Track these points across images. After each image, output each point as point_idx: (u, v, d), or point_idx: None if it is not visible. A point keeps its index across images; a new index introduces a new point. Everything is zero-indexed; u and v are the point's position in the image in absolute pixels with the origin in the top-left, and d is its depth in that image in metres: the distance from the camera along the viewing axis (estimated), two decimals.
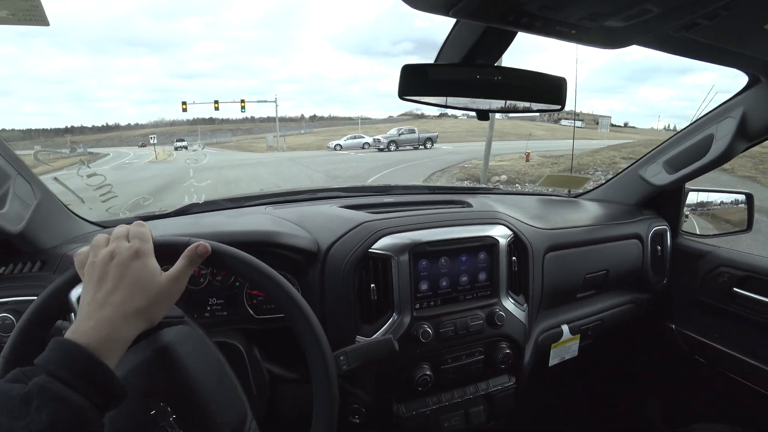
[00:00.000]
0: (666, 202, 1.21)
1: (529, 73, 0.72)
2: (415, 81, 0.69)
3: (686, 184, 1.19)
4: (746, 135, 0.97)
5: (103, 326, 0.40)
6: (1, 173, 0.71)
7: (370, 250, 0.75)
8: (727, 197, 1.31)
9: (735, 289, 1.05)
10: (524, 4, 0.50)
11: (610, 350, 1.33)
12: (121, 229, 0.47)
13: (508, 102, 0.73)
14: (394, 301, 0.76)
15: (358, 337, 0.75)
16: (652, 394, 1.31)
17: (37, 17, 0.62)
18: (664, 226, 1.18)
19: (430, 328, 0.77)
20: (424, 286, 0.79)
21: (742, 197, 1.27)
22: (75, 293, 0.50)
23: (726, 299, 1.07)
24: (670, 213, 1.21)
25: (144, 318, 0.43)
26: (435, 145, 18.88)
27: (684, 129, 1.13)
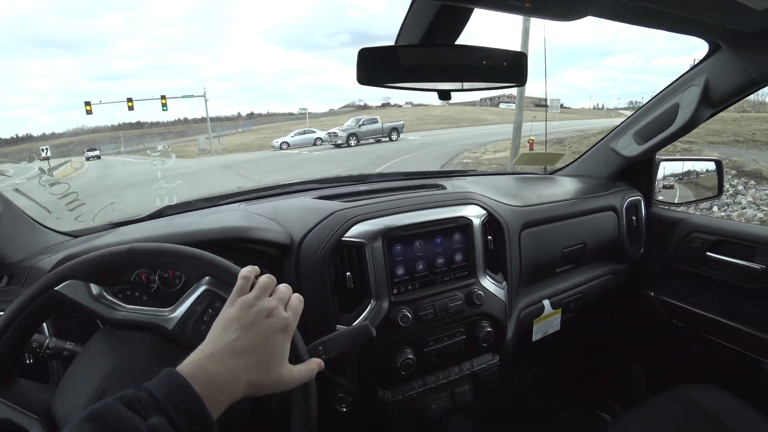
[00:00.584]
0: (638, 172, 1.23)
1: (488, 51, 0.72)
2: (373, 65, 0.68)
3: (656, 154, 1.21)
4: (710, 102, 0.99)
5: (228, 377, 0.39)
6: None
7: (343, 239, 0.75)
8: (697, 165, 1.34)
9: (708, 253, 1.08)
10: None
11: (592, 322, 1.36)
12: (285, 290, 0.48)
13: (470, 81, 0.73)
14: (371, 288, 0.76)
15: (338, 326, 0.75)
16: (635, 361, 1.35)
17: None
18: (637, 197, 1.20)
19: (409, 312, 0.77)
20: (400, 271, 0.79)
21: (711, 165, 1.30)
22: (95, 289, 0.51)
23: (700, 264, 1.10)
24: (643, 183, 1.23)
25: (254, 391, 0.42)
26: (401, 136, 16.74)
27: (651, 99, 1.15)
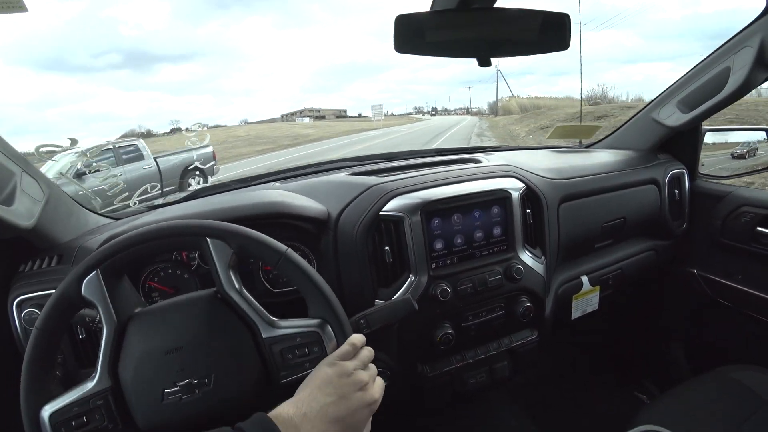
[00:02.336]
0: (682, 144, 1.17)
1: (530, 12, 0.68)
2: (410, 32, 0.66)
3: (702, 123, 1.14)
4: (766, 63, 0.92)
5: None
6: (5, 171, 0.70)
7: (381, 213, 0.74)
8: (746, 135, 1.26)
9: (759, 228, 1.02)
10: None
11: (632, 299, 1.32)
12: (374, 369, 0.50)
13: (510, 45, 0.70)
14: (409, 262, 0.75)
15: (377, 301, 0.75)
16: (675, 340, 1.30)
17: (15, 4, 0.60)
18: (681, 170, 1.14)
19: (449, 287, 0.76)
20: (438, 245, 0.78)
21: (761, 134, 1.22)
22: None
23: (749, 240, 1.04)
24: (687, 155, 1.17)
25: None
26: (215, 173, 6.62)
27: (696, 66, 1.07)
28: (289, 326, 0.51)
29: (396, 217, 0.74)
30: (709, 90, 1.03)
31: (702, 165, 1.19)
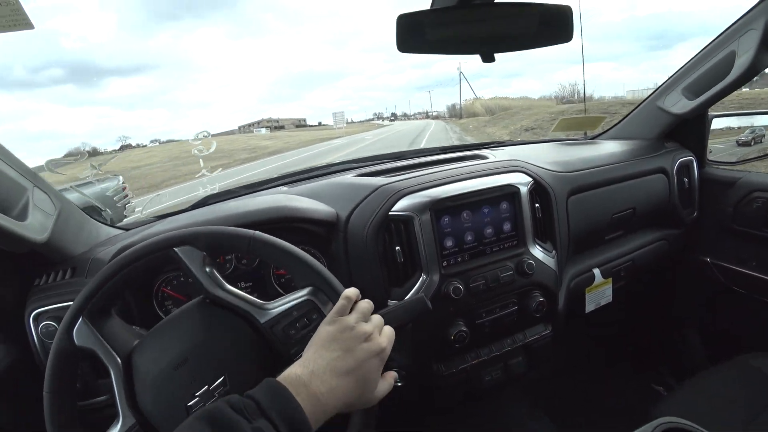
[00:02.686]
0: (689, 131, 1.15)
1: (531, 6, 0.68)
2: (411, 31, 0.66)
3: (709, 110, 1.13)
4: None
5: (330, 398, 0.40)
6: (18, 187, 0.71)
7: (390, 213, 0.74)
8: (755, 119, 1.25)
9: None
10: None
11: (645, 290, 1.30)
12: (379, 319, 0.49)
13: (513, 40, 0.70)
14: (421, 261, 0.75)
15: (390, 302, 0.75)
16: (690, 330, 1.29)
17: (21, 21, 0.61)
18: (689, 157, 1.13)
19: (461, 284, 0.76)
20: (449, 243, 0.77)
21: None
22: (208, 261, 0.52)
23: (761, 225, 1.03)
24: (695, 142, 1.16)
25: (346, 409, 0.43)
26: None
27: (700, 51, 1.06)
28: (281, 304, 0.51)
29: (405, 216, 0.74)
30: (715, 75, 1.02)
31: (710, 152, 1.18)
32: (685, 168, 1.13)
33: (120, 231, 0.96)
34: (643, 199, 1.06)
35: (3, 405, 0.69)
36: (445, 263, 0.77)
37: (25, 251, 0.71)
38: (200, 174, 1.04)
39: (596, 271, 1.00)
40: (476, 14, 0.67)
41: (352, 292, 0.49)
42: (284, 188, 0.95)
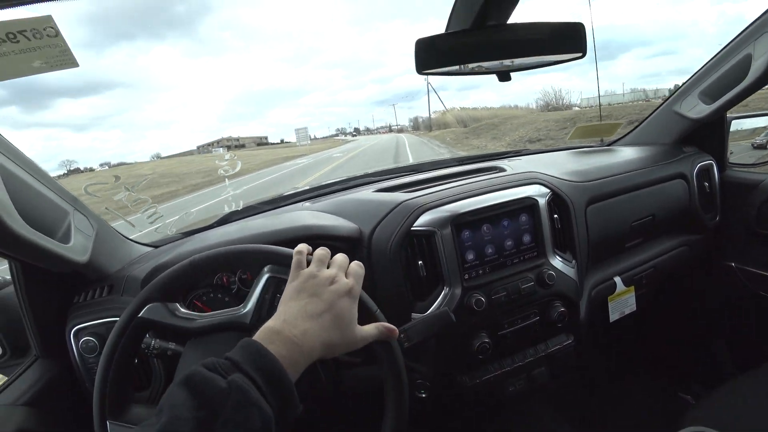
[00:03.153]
0: (708, 135, 1.15)
1: (544, 25, 0.70)
2: (429, 54, 0.68)
3: (727, 112, 1.12)
4: None
5: (305, 338, 0.42)
6: (61, 210, 0.76)
7: (412, 228, 0.76)
8: None
9: None
10: None
11: (667, 297, 1.29)
12: (342, 259, 0.51)
13: (528, 58, 0.71)
14: (443, 275, 0.76)
15: (413, 315, 0.77)
16: (717, 337, 1.26)
17: (68, 61, 0.65)
18: (709, 161, 1.12)
19: (482, 296, 0.77)
20: (470, 256, 0.79)
21: None
22: (171, 306, 0.55)
23: None
24: (714, 146, 1.15)
25: (328, 351, 0.44)
26: None
27: (716, 55, 1.06)
28: (250, 297, 0.55)
29: (427, 231, 0.76)
30: (732, 79, 1.02)
31: (731, 153, 1.17)
32: (705, 172, 1.12)
33: (150, 248, 1.00)
34: (663, 206, 1.06)
35: (43, 418, 0.72)
36: (466, 276, 0.78)
37: (68, 271, 0.75)
38: (226, 194, 1.07)
39: (617, 280, 1.00)
40: (491, 35, 0.70)
41: (302, 246, 0.51)
42: (307, 203, 0.98)
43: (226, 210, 1.05)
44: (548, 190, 0.86)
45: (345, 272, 0.49)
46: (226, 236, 0.83)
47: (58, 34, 0.57)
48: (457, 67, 0.69)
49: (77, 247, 0.75)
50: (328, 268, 0.50)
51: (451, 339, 0.78)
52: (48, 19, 0.55)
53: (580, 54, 0.73)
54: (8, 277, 0.80)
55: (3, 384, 0.73)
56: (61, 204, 0.76)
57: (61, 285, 0.79)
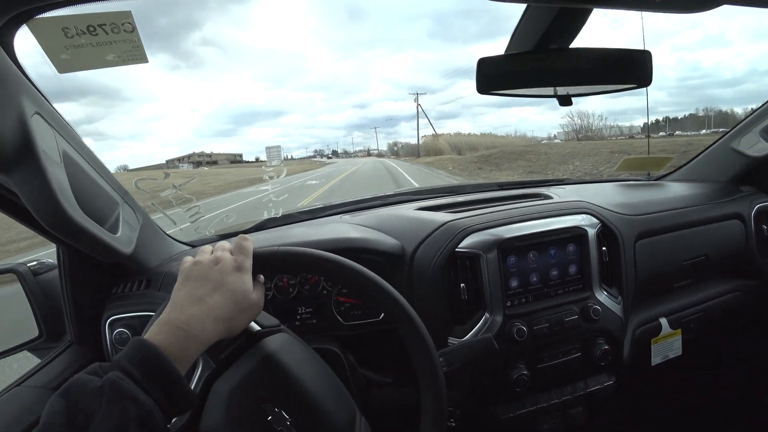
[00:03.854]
0: (767, 175, 1.09)
1: (608, 52, 0.68)
2: (491, 74, 0.67)
3: None
4: None
5: (192, 322, 0.42)
6: (112, 201, 0.78)
7: (457, 249, 0.74)
8: None
9: None
10: None
11: (717, 345, 1.20)
12: (224, 243, 0.51)
13: (590, 84, 0.70)
14: (485, 300, 0.74)
15: (450, 339, 0.74)
16: None
17: (139, 56, 0.68)
18: None
19: (524, 326, 0.74)
20: (514, 283, 0.76)
21: None
22: None
23: None
24: None
25: (228, 326, 0.45)
26: None
27: None
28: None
29: (473, 253, 0.74)
30: None
31: None
32: (765, 214, 1.06)
33: (188, 247, 1.01)
34: (717, 246, 1.00)
35: None
36: (509, 303, 0.75)
37: (112, 261, 0.76)
38: (267, 200, 1.09)
39: (663, 321, 0.94)
40: (553, 58, 0.68)
41: (206, 247, 0.51)
42: (346, 216, 0.97)
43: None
44: (598, 221, 0.82)
45: (230, 251, 0.49)
46: (268, 241, 0.83)
47: (134, 29, 0.59)
48: (519, 90, 0.67)
49: (124, 239, 0.76)
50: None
51: (489, 368, 0.75)
52: (127, 15, 0.57)
53: (644, 84, 0.70)
54: (51, 261, 0.82)
55: (37, 366, 0.74)
56: (113, 195, 0.78)
57: (102, 275, 0.80)
